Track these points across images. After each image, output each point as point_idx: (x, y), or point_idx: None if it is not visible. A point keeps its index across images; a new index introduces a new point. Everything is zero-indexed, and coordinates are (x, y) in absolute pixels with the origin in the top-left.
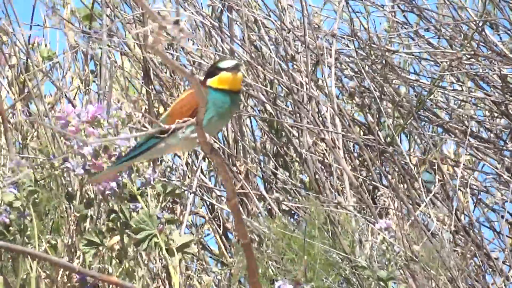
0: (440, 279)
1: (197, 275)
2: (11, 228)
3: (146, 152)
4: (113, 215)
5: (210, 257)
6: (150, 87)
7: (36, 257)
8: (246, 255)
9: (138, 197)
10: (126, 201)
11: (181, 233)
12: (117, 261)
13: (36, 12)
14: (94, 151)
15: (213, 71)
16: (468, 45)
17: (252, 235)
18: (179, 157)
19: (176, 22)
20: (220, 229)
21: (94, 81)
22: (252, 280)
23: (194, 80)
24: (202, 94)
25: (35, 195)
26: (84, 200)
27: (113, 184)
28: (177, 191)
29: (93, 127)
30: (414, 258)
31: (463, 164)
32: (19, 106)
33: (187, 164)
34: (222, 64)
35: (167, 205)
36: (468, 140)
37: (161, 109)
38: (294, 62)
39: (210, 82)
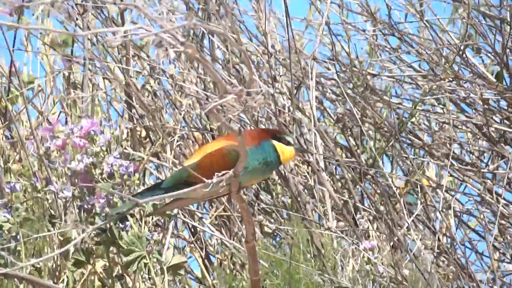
0: None
1: None
2: (2, 252)
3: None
4: (102, 235)
5: (193, 280)
6: (132, 111)
7: (30, 283)
8: None
9: (128, 216)
10: (115, 221)
11: (164, 256)
12: (101, 283)
13: (17, 36)
14: (86, 168)
15: (281, 139)
16: (450, 68)
17: (234, 259)
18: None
19: (249, 94)
20: (202, 252)
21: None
22: None
23: (241, 140)
24: (246, 151)
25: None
26: (68, 222)
27: (102, 202)
28: (167, 212)
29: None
30: (403, 280)
31: (445, 186)
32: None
33: None
34: (290, 140)
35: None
36: (451, 162)
37: (143, 133)
38: (276, 85)
39: (277, 144)
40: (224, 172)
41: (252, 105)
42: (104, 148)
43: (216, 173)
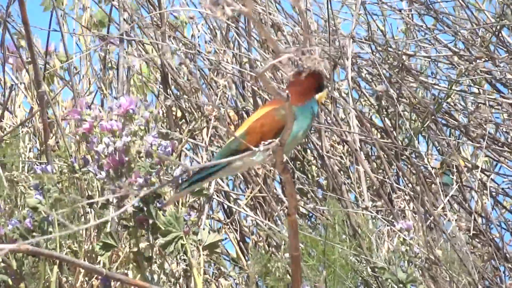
0: (460, 281)
1: (215, 280)
2: (34, 233)
3: (221, 170)
4: (138, 214)
5: (228, 261)
6: (168, 92)
7: (64, 261)
8: (294, 267)
9: (166, 196)
10: (153, 201)
11: (200, 235)
12: (134, 264)
13: (53, 18)
14: (124, 146)
15: (322, 87)
16: (485, 48)
17: (269, 240)
18: (196, 160)
19: (304, 53)
20: (237, 234)
21: (111, 82)
22: None
23: (289, 105)
24: (293, 117)
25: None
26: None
27: (140, 181)
28: (204, 192)
29: (125, 121)
30: (436, 261)
31: (481, 167)
32: (36, 112)
33: None
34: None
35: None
36: (486, 143)
37: (179, 114)
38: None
39: (319, 96)
40: (270, 140)
41: (308, 64)
42: (142, 127)
43: (262, 142)
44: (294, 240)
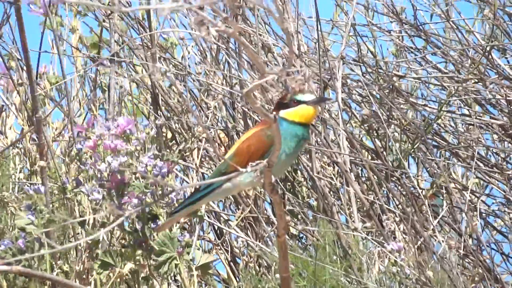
0: None
1: None
2: (26, 254)
3: (212, 193)
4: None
5: (219, 281)
6: (159, 113)
7: (56, 283)
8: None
9: (160, 217)
10: (147, 221)
11: (191, 255)
12: (127, 286)
13: (44, 39)
14: (120, 167)
15: (289, 103)
16: (475, 69)
17: (260, 260)
18: (186, 181)
19: (288, 74)
20: (228, 254)
21: (101, 107)
22: None
23: (276, 125)
24: (280, 138)
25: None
26: (98, 224)
27: (135, 201)
28: (199, 214)
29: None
30: (427, 282)
31: (471, 188)
32: (27, 133)
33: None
34: (302, 97)
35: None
36: (476, 164)
37: (169, 135)
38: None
39: (285, 114)
40: (258, 161)
41: (292, 85)
42: (139, 148)
43: (250, 163)
44: (283, 261)
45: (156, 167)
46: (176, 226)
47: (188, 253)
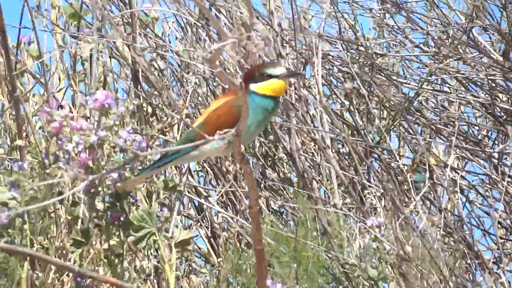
0: (431, 278)
1: (186, 276)
2: (9, 230)
3: (179, 158)
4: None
5: (199, 257)
6: (139, 88)
7: (36, 259)
8: (258, 260)
9: (139, 192)
10: (126, 197)
11: (171, 232)
12: (105, 261)
13: (24, 14)
14: (98, 142)
15: (259, 76)
16: (456, 48)
17: (240, 236)
18: None
19: (249, 38)
20: (208, 230)
21: (82, 81)
22: (261, 284)
23: (243, 94)
24: (247, 106)
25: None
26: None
27: (115, 175)
28: (178, 188)
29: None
30: (406, 258)
31: (451, 165)
32: (7, 109)
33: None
34: (272, 71)
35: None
36: (457, 141)
37: (149, 110)
38: (283, 63)
39: (256, 88)
40: (226, 130)
41: (252, 50)
42: (117, 122)
43: (217, 131)
44: (257, 233)
45: (135, 142)
46: (155, 201)
47: (166, 229)
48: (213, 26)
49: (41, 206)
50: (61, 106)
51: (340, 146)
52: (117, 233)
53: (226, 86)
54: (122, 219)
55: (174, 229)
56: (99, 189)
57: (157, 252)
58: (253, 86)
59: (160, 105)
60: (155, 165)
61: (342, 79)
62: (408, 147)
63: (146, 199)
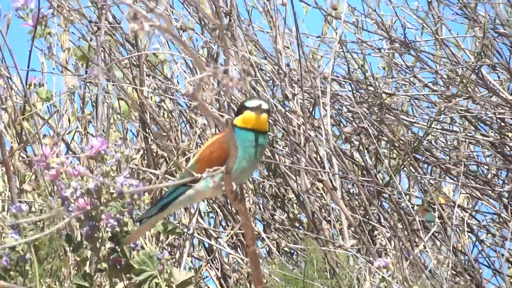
0: None
1: None
2: (11, 272)
3: (176, 201)
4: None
5: None
6: (147, 130)
7: None
8: None
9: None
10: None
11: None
12: None
13: (33, 56)
14: (96, 188)
15: (240, 109)
16: (465, 86)
17: (251, 277)
18: None
19: (226, 72)
20: (218, 272)
21: (90, 122)
22: None
23: (230, 130)
24: (235, 143)
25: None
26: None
27: (113, 222)
28: (177, 230)
29: (96, 162)
30: None
31: (460, 204)
32: (16, 150)
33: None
34: (248, 103)
35: (165, 246)
36: (467, 180)
37: (158, 152)
38: (290, 104)
39: (236, 120)
40: (215, 168)
41: (228, 83)
42: (114, 168)
43: (207, 169)
44: (256, 272)
45: (132, 186)
46: (157, 244)
47: (168, 272)
48: (194, 62)
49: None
50: (68, 147)
51: (350, 186)
52: (123, 276)
53: None
54: (123, 263)
55: (173, 270)
56: (100, 234)
57: None
58: (235, 119)
59: (167, 147)
60: (153, 212)
61: (352, 119)
62: (418, 186)
63: (152, 240)
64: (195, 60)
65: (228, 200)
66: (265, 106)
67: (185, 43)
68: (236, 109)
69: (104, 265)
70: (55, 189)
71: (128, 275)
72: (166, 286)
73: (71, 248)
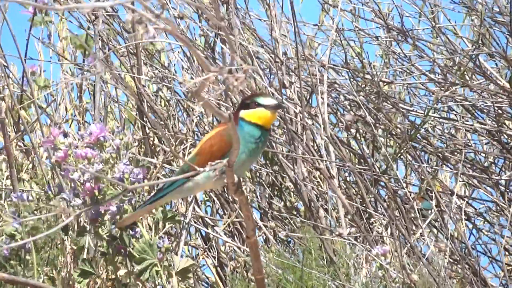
0: None
1: None
2: (11, 261)
3: (174, 191)
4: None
5: (206, 287)
6: (144, 119)
7: None
8: None
9: (139, 223)
10: (126, 229)
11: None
12: None
13: (30, 45)
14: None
15: (249, 104)
16: (462, 75)
17: (248, 265)
18: None
19: (230, 71)
20: (215, 260)
21: (88, 110)
22: None
23: (232, 125)
24: (238, 137)
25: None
26: (78, 229)
27: (113, 209)
28: (176, 218)
29: (94, 149)
30: (412, 286)
31: (457, 192)
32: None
33: None
34: (263, 101)
35: (162, 235)
36: (464, 168)
37: (156, 141)
38: (288, 92)
39: (244, 114)
40: (217, 161)
41: (233, 83)
42: (114, 155)
43: (209, 162)
44: (256, 263)
45: (133, 174)
46: (156, 232)
47: (167, 260)
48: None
49: (43, 236)
50: (65, 134)
51: (347, 174)
52: (124, 262)
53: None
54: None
55: (174, 258)
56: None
57: (160, 282)
58: (242, 113)
59: (165, 136)
60: (151, 199)
61: (349, 107)
62: (415, 175)
63: (152, 229)
64: (200, 60)
65: (225, 189)
66: (281, 106)
67: (190, 44)
68: (241, 101)
69: (105, 250)
70: (57, 176)
71: (131, 262)
72: (166, 273)
73: (75, 234)
